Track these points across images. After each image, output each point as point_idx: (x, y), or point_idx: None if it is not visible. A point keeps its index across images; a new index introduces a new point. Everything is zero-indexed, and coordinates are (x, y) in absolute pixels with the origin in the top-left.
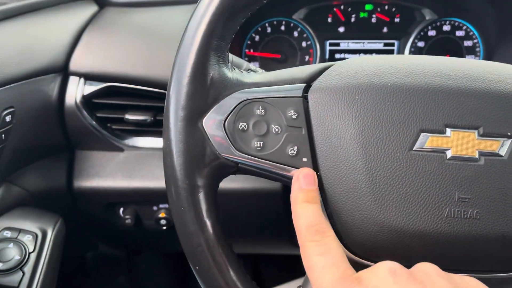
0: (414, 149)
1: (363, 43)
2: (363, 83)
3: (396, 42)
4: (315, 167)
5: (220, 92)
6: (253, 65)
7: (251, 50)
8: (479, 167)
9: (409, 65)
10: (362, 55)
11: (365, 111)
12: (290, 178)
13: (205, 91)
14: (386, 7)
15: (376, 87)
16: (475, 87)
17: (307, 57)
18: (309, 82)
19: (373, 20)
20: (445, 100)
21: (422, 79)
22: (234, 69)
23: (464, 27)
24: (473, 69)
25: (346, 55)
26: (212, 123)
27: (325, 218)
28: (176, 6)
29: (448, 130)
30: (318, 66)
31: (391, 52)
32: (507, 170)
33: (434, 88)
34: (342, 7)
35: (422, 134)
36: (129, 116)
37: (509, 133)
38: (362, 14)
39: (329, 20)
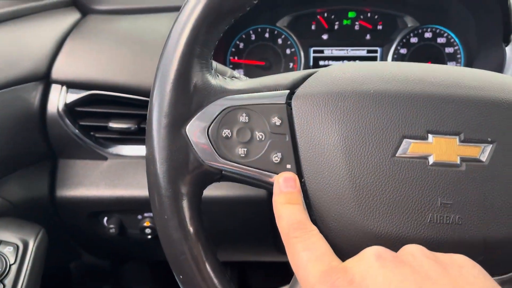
0: (397, 155)
1: (347, 50)
2: (346, 90)
3: (379, 49)
4: (299, 174)
5: (203, 99)
6: (237, 73)
7: (236, 58)
8: (461, 172)
9: (391, 72)
10: (345, 61)
11: (348, 118)
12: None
13: (188, 98)
14: (369, 15)
15: (359, 94)
16: (456, 93)
17: (291, 64)
18: (292, 88)
19: (356, 27)
20: (426, 106)
21: (404, 86)
22: (218, 76)
23: (445, 34)
24: (454, 76)
25: (330, 62)
26: (195, 130)
27: (307, 216)
28: (160, 13)
29: (430, 136)
30: (302, 72)
31: (374, 59)
32: (487, 176)
33: (416, 95)
34: (325, 14)
35: (405, 140)
36: (113, 124)
37: (489, 139)
38: (345, 22)
39: (313, 27)
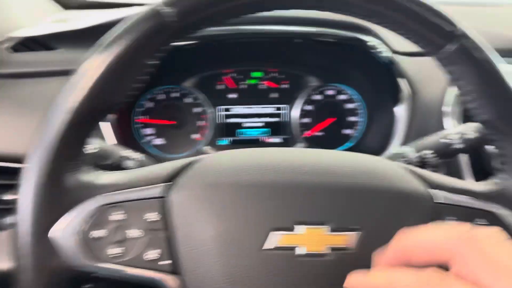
0: (264, 248)
1: (255, 107)
2: (222, 182)
3: (286, 106)
4: (178, 270)
5: (74, 200)
6: (129, 151)
7: (147, 117)
8: (330, 262)
9: (266, 161)
10: (255, 119)
11: (222, 211)
12: (154, 282)
13: (57, 200)
14: (274, 74)
15: (233, 186)
16: (326, 181)
17: (201, 122)
18: (170, 180)
19: (263, 86)
20: (295, 196)
21: (275, 176)
22: (91, 171)
23: (347, 92)
24: (326, 163)
25: (239, 120)
26: (64, 233)
27: None
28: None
29: (298, 227)
30: (179, 162)
31: (281, 116)
32: (356, 263)
33: (285, 184)
34: (231, 75)
35: (272, 233)
36: (6, 197)
37: (356, 227)
38: (251, 81)
39: (220, 87)
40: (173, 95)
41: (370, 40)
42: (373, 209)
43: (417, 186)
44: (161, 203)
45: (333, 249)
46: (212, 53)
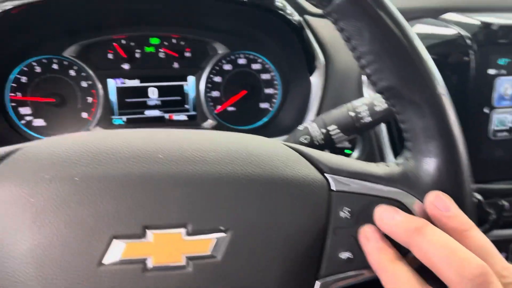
0: (104, 263)
1: (154, 80)
2: (40, 175)
3: (191, 78)
4: None
5: None
6: None
7: (19, 94)
8: (188, 275)
9: (102, 147)
10: (154, 90)
11: (42, 218)
12: None
13: None
14: (174, 41)
15: (56, 180)
16: (185, 171)
17: (90, 99)
18: None
19: (161, 55)
20: (145, 192)
21: (117, 166)
22: None
23: (260, 60)
24: (187, 147)
25: (136, 94)
26: None
27: None
28: None
29: (148, 232)
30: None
31: (183, 89)
32: (222, 274)
33: (130, 177)
34: (123, 41)
35: (115, 241)
36: None
37: (222, 227)
38: (147, 49)
39: (110, 56)
40: (52, 67)
41: (279, 0)
42: (247, 203)
43: (308, 171)
44: None
45: (192, 258)
46: (99, 13)
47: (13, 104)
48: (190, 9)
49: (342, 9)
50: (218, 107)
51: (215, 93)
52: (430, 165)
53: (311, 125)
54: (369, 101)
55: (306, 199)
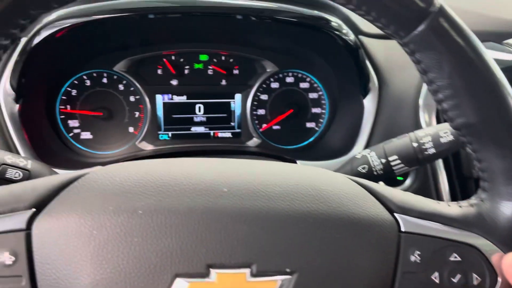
0: None
1: (201, 96)
2: (102, 207)
3: (237, 95)
4: None
5: None
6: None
7: (68, 107)
8: None
9: (165, 178)
10: (202, 110)
11: (105, 252)
12: None
13: None
14: (223, 58)
15: (119, 213)
16: (249, 207)
17: (137, 113)
18: (39, 206)
19: (210, 72)
20: (209, 229)
21: (180, 199)
22: None
23: (308, 79)
24: (252, 180)
25: (183, 111)
26: None
27: None
28: None
29: (212, 272)
30: (58, 179)
31: (230, 106)
32: None
33: (196, 213)
34: (173, 57)
35: (178, 279)
36: None
37: (288, 270)
38: (196, 66)
39: (159, 72)
40: (102, 80)
41: (334, 20)
42: (314, 243)
43: (377, 210)
44: (19, 239)
45: None
46: (151, 30)
47: (62, 116)
48: (241, 28)
49: (422, 40)
50: (264, 125)
51: (261, 111)
52: (510, 209)
53: (370, 154)
54: (433, 131)
55: (374, 240)
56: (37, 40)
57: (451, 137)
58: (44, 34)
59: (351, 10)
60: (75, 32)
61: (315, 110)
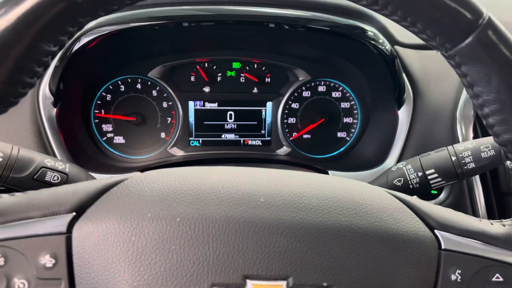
0: None
1: (233, 104)
2: (141, 214)
3: (269, 103)
4: None
5: None
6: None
7: (102, 112)
8: None
9: (203, 187)
10: (232, 117)
11: (142, 259)
12: None
13: None
14: (256, 66)
15: (158, 220)
16: (287, 219)
17: (169, 119)
18: (80, 210)
19: (242, 79)
20: (246, 239)
21: (217, 209)
22: None
23: (340, 88)
24: (290, 191)
25: (214, 117)
26: None
27: None
28: None
29: (248, 283)
30: (98, 183)
31: (261, 114)
32: None
33: (233, 223)
34: (206, 65)
35: None
36: None
37: (325, 284)
38: (229, 73)
39: (192, 79)
40: (136, 86)
41: (370, 29)
42: (352, 258)
43: (417, 226)
44: (59, 243)
45: None
46: (185, 38)
47: (97, 120)
48: (274, 36)
49: (469, 53)
50: (294, 134)
51: (291, 120)
52: None
53: (406, 166)
54: (473, 145)
55: (413, 258)
56: (77, 46)
57: (492, 152)
58: (84, 40)
59: (394, 21)
60: (113, 39)
61: (347, 119)
